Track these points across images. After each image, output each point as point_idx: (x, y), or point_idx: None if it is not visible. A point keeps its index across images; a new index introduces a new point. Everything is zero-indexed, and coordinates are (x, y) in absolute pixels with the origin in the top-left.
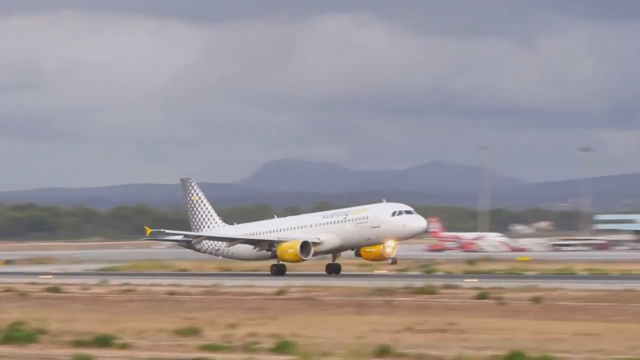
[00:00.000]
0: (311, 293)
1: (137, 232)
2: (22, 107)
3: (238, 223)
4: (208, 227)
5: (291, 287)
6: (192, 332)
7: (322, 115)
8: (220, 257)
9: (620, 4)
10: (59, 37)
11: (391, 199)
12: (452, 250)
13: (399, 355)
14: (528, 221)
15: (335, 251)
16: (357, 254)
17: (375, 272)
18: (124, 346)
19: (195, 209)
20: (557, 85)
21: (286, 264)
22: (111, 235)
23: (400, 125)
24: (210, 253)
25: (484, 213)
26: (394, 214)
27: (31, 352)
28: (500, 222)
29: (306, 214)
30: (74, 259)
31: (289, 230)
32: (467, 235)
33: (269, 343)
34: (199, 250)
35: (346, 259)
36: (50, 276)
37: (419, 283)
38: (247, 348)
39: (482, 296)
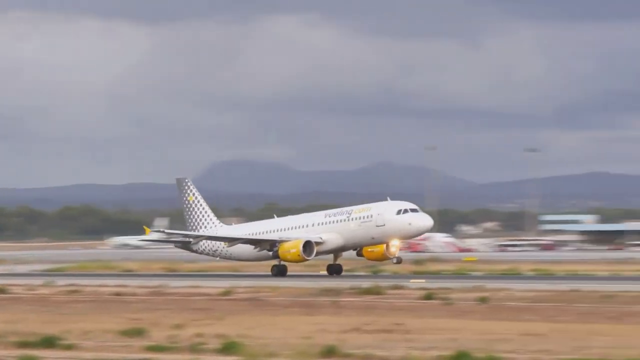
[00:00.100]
0: (258, 294)
1: (83, 233)
2: None
3: (185, 224)
4: (205, 227)
5: (238, 287)
6: (138, 332)
7: (270, 115)
8: (218, 258)
9: (566, 5)
10: (5, 37)
11: (340, 199)
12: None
13: (346, 355)
14: (475, 222)
15: (338, 251)
16: (359, 254)
17: (321, 272)
18: (69, 347)
19: (191, 209)
20: (503, 85)
21: (288, 264)
22: (57, 236)
23: (349, 125)
24: (208, 254)
25: (432, 213)
26: (399, 212)
27: None
28: (448, 222)
29: (307, 213)
30: (19, 259)
31: (290, 229)
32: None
33: (215, 344)
34: (195, 252)
35: (347, 259)
36: None
37: (365, 284)
38: (193, 349)
39: (429, 297)
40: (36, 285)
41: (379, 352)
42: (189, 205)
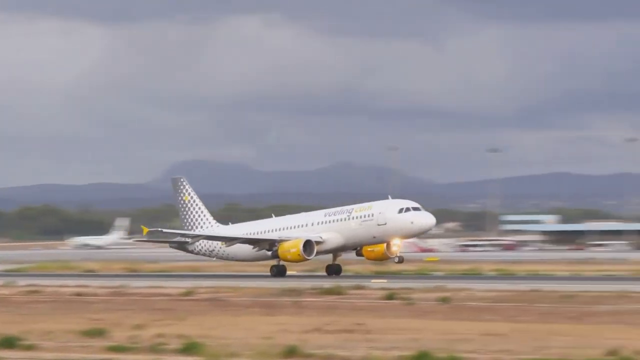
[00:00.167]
0: (219, 294)
1: (43, 233)
2: None
3: (148, 224)
4: (201, 227)
5: (199, 288)
6: (99, 333)
7: (231, 115)
8: (214, 259)
9: (528, 6)
10: None
11: (301, 199)
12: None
13: (307, 355)
14: (437, 222)
15: (339, 250)
16: (359, 254)
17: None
18: (30, 347)
19: (187, 209)
20: (465, 86)
21: (287, 264)
22: (17, 236)
23: (309, 125)
24: (204, 254)
25: None
26: (400, 210)
27: None
28: None
29: (307, 212)
30: None
31: (289, 229)
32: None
33: (176, 344)
34: (191, 252)
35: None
36: None
37: (327, 284)
38: (154, 349)
39: (390, 297)
40: None
41: (340, 352)
42: (184, 205)
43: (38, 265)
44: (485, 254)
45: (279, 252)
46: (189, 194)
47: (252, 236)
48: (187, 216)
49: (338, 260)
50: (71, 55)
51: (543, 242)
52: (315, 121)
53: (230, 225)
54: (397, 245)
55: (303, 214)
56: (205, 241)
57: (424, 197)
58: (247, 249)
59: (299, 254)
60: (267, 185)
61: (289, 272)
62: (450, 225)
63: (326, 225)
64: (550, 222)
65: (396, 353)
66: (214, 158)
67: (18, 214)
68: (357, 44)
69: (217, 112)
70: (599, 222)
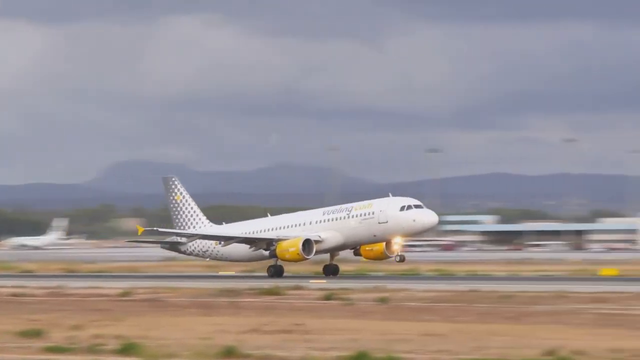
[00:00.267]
0: (157, 294)
1: None
2: None
3: (84, 224)
4: (194, 227)
5: (137, 288)
6: (36, 333)
7: (168, 115)
8: (208, 259)
9: (467, 7)
10: None
11: (240, 199)
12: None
13: (245, 356)
14: None
15: (338, 249)
16: (357, 253)
17: (220, 272)
18: None
19: (179, 208)
20: (405, 86)
21: (285, 264)
22: None
23: (248, 126)
24: (197, 255)
25: None
26: (402, 208)
27: None
28: None
29: (305, 211)
30: None
31: (286, 228)
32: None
33: (114, 344)
34: (184, 253)
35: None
36: None
37: (266, 284)
38: (92, 350)
39: (329, 297)
40: None
41: (279, 353)
42: (176, 205)
43: None
44: (424, 254)
45: (277, 251)
46: (181, 193)
47: (248, 235)
48: (179, 216)
49: (335, 260)
50: (8, 55)
51: (482, 242)
52: (254, 121)
53: (225, 225)
54: (398, 244)
55: (300, 212)
56: (199, 241)
57: (363, 198)
58: (243, 249)
59: (298, 253)
60: (206, 185)
61: (226, 272)
62: None
63: (325, 224)
64: (489, 223)
65: (335, 353)
66: (152, 158)
67: None
68: (297, 45)
69: (155, 111)
70: (537, 223)
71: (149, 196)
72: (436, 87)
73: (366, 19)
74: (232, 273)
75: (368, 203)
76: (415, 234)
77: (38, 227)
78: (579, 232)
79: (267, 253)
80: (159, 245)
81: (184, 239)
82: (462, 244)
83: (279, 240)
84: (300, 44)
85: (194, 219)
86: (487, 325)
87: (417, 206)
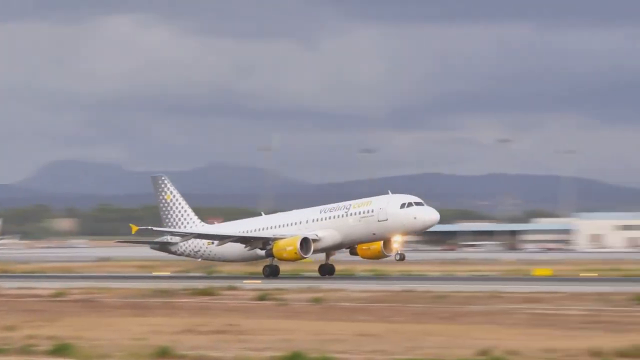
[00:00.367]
0: (91, 295)
1: None
2: None
3: (17, 224)
4: (184, 227)
5: (71, 289)
6: None
7: (103, 115)
8: (200, 259)
9: (402, 7)
10: None
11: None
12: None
13: (179, 356)
14: None
15: (335, 248)
16: (353, 253)
17: (154, 273)
18: None
19: (169, 208)
20: (340, 87)
21: (282, 263)
22: None
23: (184, 126)
24: (189, 255)
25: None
26: (402, 205)
27: None
28: None
29: (301, 209)
30: None
31: (282, 227)
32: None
33: (47, 345)
34: (174, 253)
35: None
36: None
37: (200, 285)
38: (25, 350)
39: (263, 297)
40: None
41: (213, 353)
42: (166, 204)
43: None
44: None
45: (274, 250)
46: (171, 192)
47: (243, 234)
48: (169, 216)
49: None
50: None
51: (416, 242)
52: (190, 121)
53: (217, 224)
54: (398, 243)
55: (295, 211)
56: (190, 241)
57: (298, 198)
58: (237, 248)
59: (295, 252)
60: (141, 185)
61: (160, 273)
62: None
63: (322, 222)
64: None
65: (269, 354)
66: (86, 158)
67: None
68: (232, 45)
69: (90, 111)
70: (472, 223)
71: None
72: (371, 87)
73: (301, 19)
74: (168, 273)
75: (367, 200)
76: (416, 232)
77: None
78: (513, 233)
79: (263, 252)
80: (149, 245)
81: (174, 239)
82: None
83: (275, 239)
84: (235, 44)
85: (185, 219)
86: (422, 325)
87: (417, 203)
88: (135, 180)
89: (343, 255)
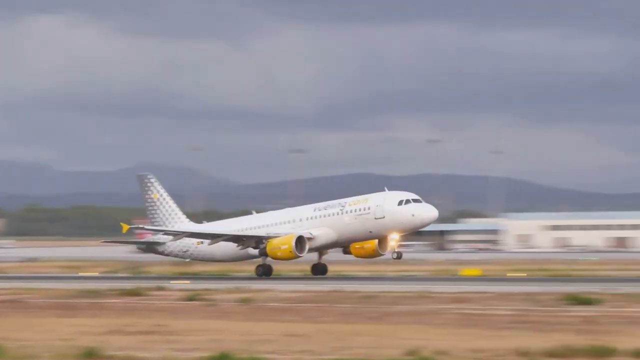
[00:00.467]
0: (18, 295)
1: None
2: None
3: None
4: (172, 226)
5: None
6: None
7: (31, 115)
8: (188, 260)
9: (332, 7)
10: None
11: (103, 200)
12: None
13: (107, 357)
14: None
15: (330, 247)
16: (346, 252)
17: (81, 273)
18: None
19: (156, 207)
20: (269, 87)
21: (276, 262)
22: None
23: (112, 126)
24: (177, 255)
25: (194, 214)
26: (400, 203)
27: None
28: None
29: (294, 207)
30: None
31: (275, 225)
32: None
33: None
34: (161, 253)
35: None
36: None
37: (128, 285)
38: None
39: (191, 298)
40: None
41: (141, 354)
42: (152, 203)
43: None
44: None
45: (268, 249)
46: (158, 191)
47: (237, 233)
48: (157, 215)
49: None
50: None
51: None
52: (118, 121)
53: (207, 223)
54: (395, 241)
55: (288, 209)
56: (179, 241)
57: (226, 198)
58: (229, 247)
59: (290, 251)
60: (69, 185)
61: (88, 273)
62: None
63: (316, 221)
64: None
65: (197, 354)
66: (14, 158)
67: None
68: (161, 45)
69: (18, 111)
70: None
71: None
72: (301, 87)
73: (231, 19)
74: (95, 274)
75: (363, 198)
76: (414, 230)
77: None
78: (441, 233)
79: (256, 252)
80: (135, 245)
81: (162, 239)
82: None
83: (269, 237)
84: (164, 44)
85: (173, 218)
86: (350, 325)
87: (415, 200)
88: (64, 180)
89: (336, 254)
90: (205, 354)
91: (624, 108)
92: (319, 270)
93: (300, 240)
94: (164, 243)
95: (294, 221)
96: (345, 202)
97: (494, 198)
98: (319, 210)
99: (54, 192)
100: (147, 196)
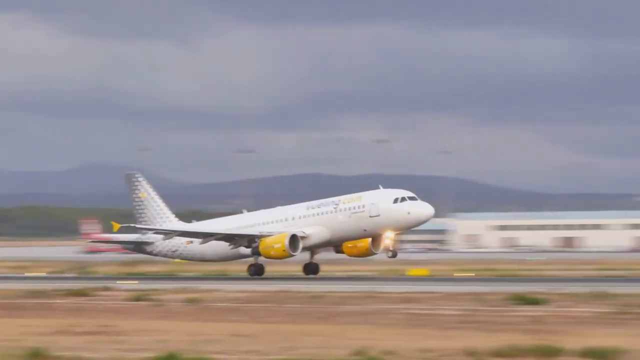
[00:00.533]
0: None
1: None
2: None
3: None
4: (161, 225)
5: None
6: None
7: None
8: (176, 260)
9: (280, 7)
10: None
11: (51, 200)
12: (110, 252)
13: (54, 357)
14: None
15: (323, 246)
16: (338, 251)
17: (27, 274)
18: None
19: (144, 206)
20: (218, 86)
21: (269, 261)
22: None
23: (60, 126)
24: (165, 255)
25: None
26: (395, 200)
27: None
28: None
29: (286, 206)
30: None
31: (267, 224)
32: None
33: None
34: (149, 253)
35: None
36: None
37: (75, 285)
38: None
39: (138, 298)
40: None
41: (88, 354)
42: (140, 203)
43: None
44: None
45: (261, 248)
46: (146, 190)
47: (229, 232)
48: (144, 214)
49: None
50: None
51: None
52: (66, 121)
53: (196, 223)
54: (390, 239)
55: (279, 207)
56: (167, 241)
57: (176, 198)
58: (219, 247)
59: (284, 250)
60: (16, 185)
61: (34, 274)
62: None
63: (309, 219)
64: None
65: (144, 354)
66: None
67: None
68: (110, 44)
69: None
70: None
71: None
72: (250, 87)
73: (181, 19)
74: (42, 274)
75: (357, 196)
76: (410, 228)
77: None
78: None
79: (248, 251)
80: (122, 245)
81: (150, 239)
82: None
83: (262, 236)
84: (112, 44)
85: (161, 217)
86: (298, 325)
87: (411, 198)
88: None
89: (328, 253)
90: (153, 355)
91: (574, 108)
92: (311, 269)
93: (293, 239)
94: (152, 243)
95: (286, 220)
96: (339, 200)
97: (443, 198)
98: (312, 208)
99: (0, 192)
100: (134, 195)
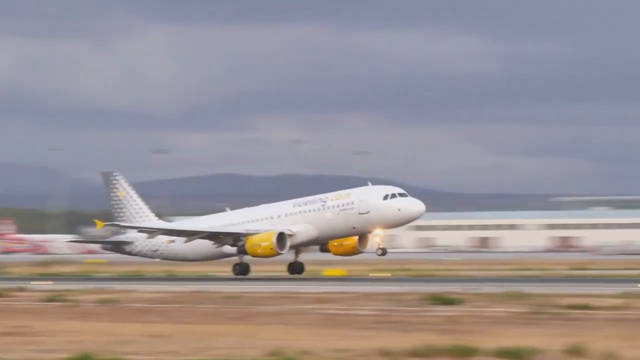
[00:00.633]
0: None
1: None
2: None
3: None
4: (139, 224)
5: None
6: None
7: None
8: (157, 260)
9: (195, 7)
10: None
11: None
12: (23, 253)
13: None
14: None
15: (311, 244)
16: (324, 249)
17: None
18: None
19: (122, 205)
20: (132, 86)
21: (255, 260)
22: None
23: None
24: (145, 255)
25: (56, 215)
26: (386, 197)
27: None
28: (73, 224)
29: (272, 203)
30: None
31: (252, 222)
32: (38, 238)
33: None
34: (129, 253)
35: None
36: None
37: None
38: None
39: (53, 299)
40: None
41: (2, 355)
42: (118, 201)
43: None
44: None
45: (247, 246)
46: (124, 188)
47: (214, 230)
48: (123, 213)
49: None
50: None
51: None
52: None
53: (176, 222)
54: (380, 237)
55: (264, 205)
56: (148, 240)
57: (90, 198)
58: (203, 246)
59: (271, 248)
60: None
61: None
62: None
63: (296, 217)
64: None
65: (59, 355)
66: None
67: None
68: (22, 44)
69: None
70: None
71: None
72: (164, 87)
73: (94, 18)
74: None
75: (346, 193)
76: (400, 225)
77: None
78: None
79: (233, 249)
80: (100, 245)
81: (130, 238)
82: None
83: (248, 234)
84: (25, 43)
85: (141, 216)
86: (212, 326)
87: (401, 194)
88: None
89: (312, 252)
90: (67, 356)
91: (491, 109)
92: (295, 269)
93: (281, 237)
94: (131, 242)
95: (272, 217)
96: (327, 197)
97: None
98: (299, 206)
99: None
100: (112, 194)
